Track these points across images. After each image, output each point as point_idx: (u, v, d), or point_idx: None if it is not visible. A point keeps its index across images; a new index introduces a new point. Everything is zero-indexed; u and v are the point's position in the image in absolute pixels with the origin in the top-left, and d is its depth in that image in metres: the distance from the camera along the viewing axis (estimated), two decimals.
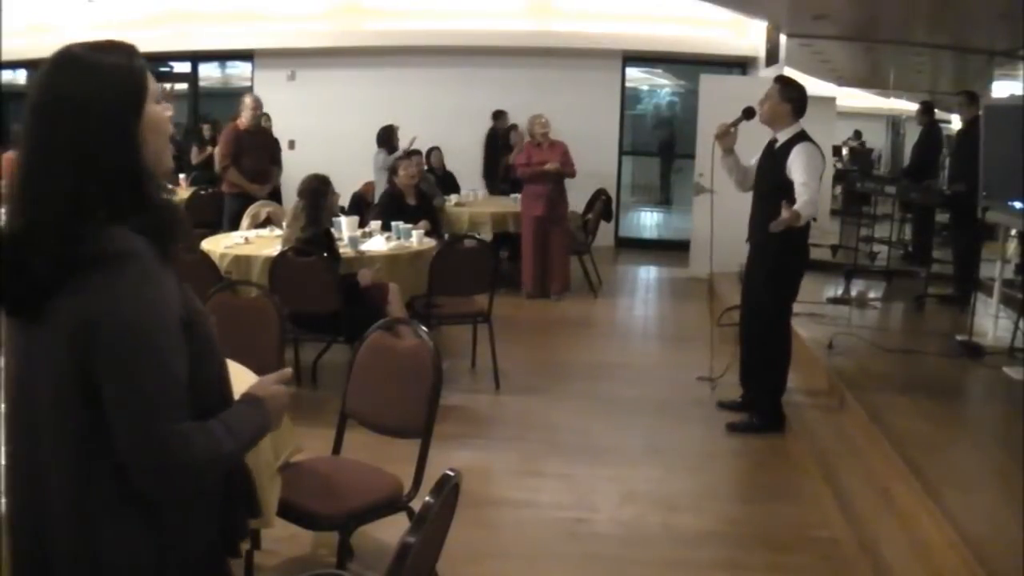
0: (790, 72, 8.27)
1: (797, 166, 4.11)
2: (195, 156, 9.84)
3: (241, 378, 1.79)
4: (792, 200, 4.06)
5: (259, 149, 6.99)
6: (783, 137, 4.27)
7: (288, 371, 1.63)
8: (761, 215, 4.31)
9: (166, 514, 1.40)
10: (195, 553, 1.47)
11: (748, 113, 4.39)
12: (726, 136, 4.39)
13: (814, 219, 4.34)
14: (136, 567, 1.38)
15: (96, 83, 1.35)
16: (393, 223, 5.61)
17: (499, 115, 9.77)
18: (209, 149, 9.32)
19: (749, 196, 4.47)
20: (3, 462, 1.45)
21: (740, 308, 4.73)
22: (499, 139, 9.49)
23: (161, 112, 1.43)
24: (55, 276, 1.31)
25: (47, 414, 1.34)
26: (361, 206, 7.35)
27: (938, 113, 8.61)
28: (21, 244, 1.32)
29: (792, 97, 4.30)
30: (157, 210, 1.39)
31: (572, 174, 7.41)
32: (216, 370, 1.50)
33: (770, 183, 4.23)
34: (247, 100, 6.96)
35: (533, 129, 7.41)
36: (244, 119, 6.91)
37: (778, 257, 4.27)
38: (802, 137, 4.23)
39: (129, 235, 1.33)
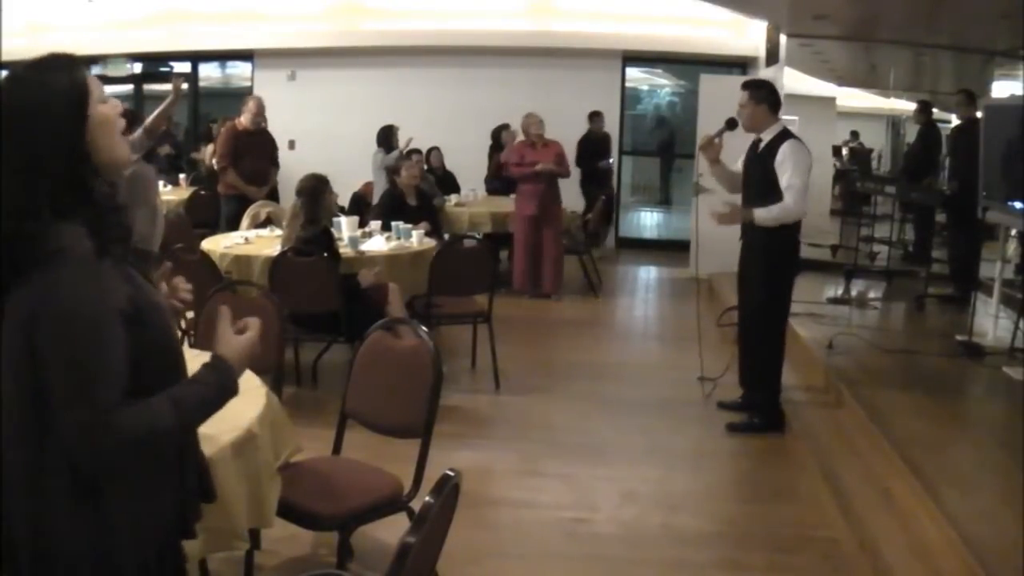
0: (790, 72, 8.29)
1: (786, 166, 4.13)
2: (208, 156, 9.83)
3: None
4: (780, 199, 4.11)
5: (258, 150, 6.87)
6: (767, 136, 4.29)
7: (225, 307, 1.66)
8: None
9: (117, 499, 1.45)
10: (148, 535, 1.51)
11: (731, 124, 4.43)
12: (710, 147, 4.41)
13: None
14: (87, 550, 1.43)
15: (39, 100, 1.45)
16: (393, 223, 5.61)
17: (595, 116, 9.36)
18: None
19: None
20: None
21: (738, 308, 4.73)
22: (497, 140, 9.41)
23: (108, 111, 1.51)
24: (5, 273, 1.39)
25: (8, 407, 1.40)
26: (361, 206, 7.36)
27: (937, 113, 8.61)
28: None
29: (764, 97, 4.31)
30: (100, 208, 1.47)
31: (566, 174, 7.41)
32: (172, 362, 1.55)
33: (757, 183, 4.26)
34: (251, 103, 6.82)
35: (528, 129, 7.39)
36: (244, 120, 6.79)
37: (769, 256, 4.29)
38: (786, 135, 4.26)
39: (73, 231, 1.41)
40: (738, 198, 4.49)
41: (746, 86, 4.39)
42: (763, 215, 4.18)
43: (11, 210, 1.40)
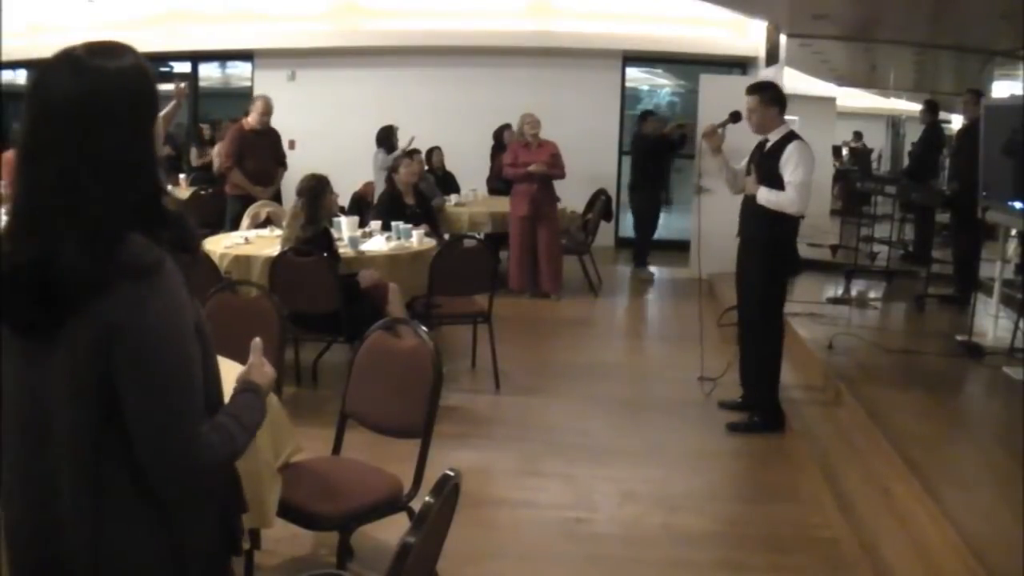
0: (790, 72, 8.29)
1: (791, 165, 4.17)
2: (195, 158, 9.81)
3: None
4: None
5: (264, 150, 6.87)
6: (774, 137, 4.32)
7: (258, 340, 1.63)
8: (750, 213, 4.37)
9: (179, 514, 1.40)
10: (207, 552, 1.47)
11: (735, 117, 4.44)
12: (713, 136, 4.43)
13: (801, 216, 4.36)
14: (152, 568, 1.38)
15: (123, 91, 1.32)
16: (393, 223, 5.61)
17: (648, 115, 8.89)
18: (209, 151, 9.28)
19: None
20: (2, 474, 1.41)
21: (737, 307, 4.74)
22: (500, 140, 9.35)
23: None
24: (84, 294, 1.27)
25: (61, 421, 1.32)
26: (361, 206, 7.35)
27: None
28: (45, 264, 1.27)
29: (773, 99, 4.34)
30: (176, 220, 1.38)
31: (560, 176, 7.34)
32: (214, 370, 1.51)
33: (762, 182, 4.26)
34: (259, 103, 6.81)
35: (523, 129, 7.38)
36: (251, 119, 6.79)
37: (765, 254, 4.31)
38: (792, 137, 4.29)
39: (152, 245, 1.32)
40: (738, 195, 4.50)
41: (753, 90, 4.38)
42: (765, 195, 4.22)
43: (94, 219, 1.27)
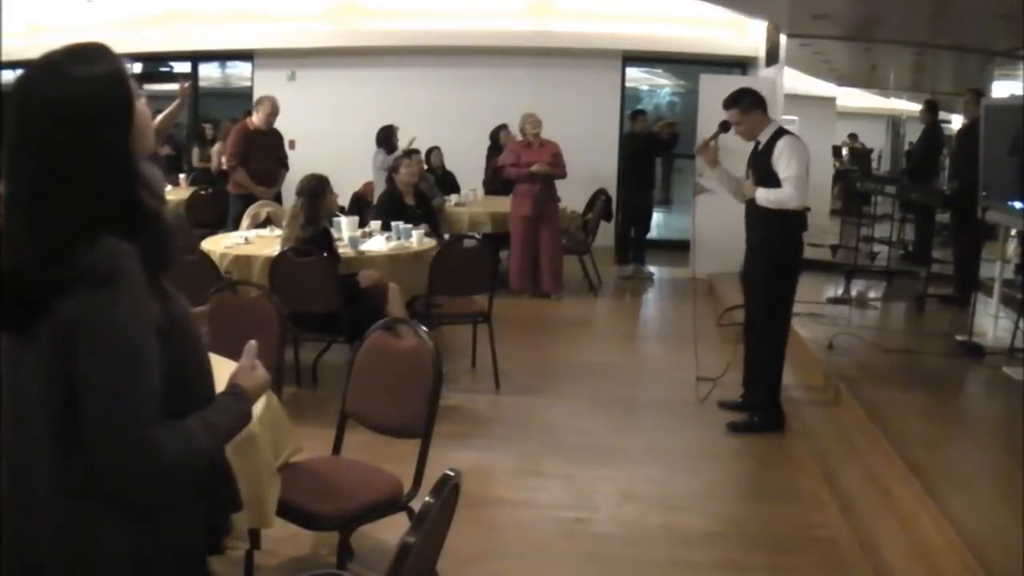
0: (790, 72, 8.28)
1: (783, 160, 4.19)
2: (196, 158, 9.80)
3: None
4: None
5: (268, 150, 6.86)
6: (764, 137, 4.34)
7: (253, 343, 1.63)
8: (754, 216, 4.37)
9: (154, 513, 1.42)
10: (182, 551, 1.48)
11: (725, 126, 4.46)
12: (707, 150, 4.45)
13: (807, 208, 4.36)
14: (123, 566, 1.39)
15: (96, 99, 1.34)
16: (393, 223, 5.61)
17: (639, 115, 8.97)
18: (211, 150, 9.29)
19: None
20: None
21: (744, 308, 4.74)
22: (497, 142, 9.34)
23: (143, 107, 1.42)
24: (46, 295, 1.31)
25: (36, 419, 1.35)
26: (361, 206, 7.35)
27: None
28: (25, 268, 1.31)
29: (752, 104, 4.35)
30: (154, 223, 1.40)
31: (561, 175, 7.34)
32: (203, 371, 1.52)
33: (760, 182, 4.29)
34: (265, 104, 6.80)
35: (524, 128, 7.37)
36: (256, 120, 6.80)
37: (771, 255, 4.31)
38: (781, 133, 4.30)
39: (119, 246, 1.33)
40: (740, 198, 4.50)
41: (730, 103, 4.37)
42: (764, 195, 4.23)
43: (64, 223, 1.30)
